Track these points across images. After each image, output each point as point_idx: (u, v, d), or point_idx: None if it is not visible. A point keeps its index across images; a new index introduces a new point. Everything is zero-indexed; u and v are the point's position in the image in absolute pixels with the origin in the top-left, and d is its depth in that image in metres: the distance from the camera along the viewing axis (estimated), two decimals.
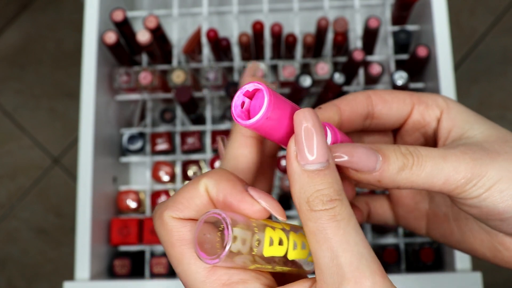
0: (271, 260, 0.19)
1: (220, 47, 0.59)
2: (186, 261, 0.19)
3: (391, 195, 0.29)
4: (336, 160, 0.20)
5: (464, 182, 0.20)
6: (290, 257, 0.19)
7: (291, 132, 0.19)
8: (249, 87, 0.19)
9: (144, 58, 0.61)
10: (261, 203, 0.18)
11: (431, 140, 0.25)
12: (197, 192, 0.19)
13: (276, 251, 0.19)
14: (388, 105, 0.24)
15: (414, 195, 0.28)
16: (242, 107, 0.19)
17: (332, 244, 0.17)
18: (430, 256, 0.54)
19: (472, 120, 0.24)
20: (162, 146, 0.60)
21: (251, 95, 0.19)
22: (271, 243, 0.18)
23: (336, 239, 0.17)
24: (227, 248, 0.17)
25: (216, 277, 0.18)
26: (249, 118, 0.18)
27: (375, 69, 0.55)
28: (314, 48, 0.61)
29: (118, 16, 0.56)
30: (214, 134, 0.60)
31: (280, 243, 0.19)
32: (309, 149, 0.17)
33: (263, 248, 0.18)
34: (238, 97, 0.19)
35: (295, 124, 0.18)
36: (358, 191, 0.52)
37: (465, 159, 0.20)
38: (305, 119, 0.18)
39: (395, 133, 0.27)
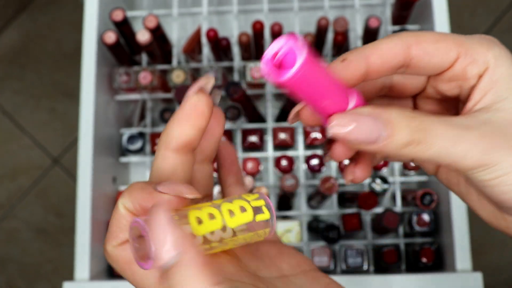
0: (216, 236, 0.19)
1: (220, 47, 0.59)
2: (139, 278, 0.20)
3: None
4: (332, 132, 0.19)
5: (471, 167, 0.19)
6: (232, 225, 0.19)
7: (328, 88, 0.19)
8: (278, 44, 0.18)
9: (144, 58, 0.61)
10: (168, 193, 0.19)
11: (465, 95, 0.22)
12: (119, 214, 0.20)
13: (211, 226, 0.19)
14: (428, 57, 0.21)
15: None
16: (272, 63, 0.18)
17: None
18: (430, 256, 0.54)
19: None
20: None
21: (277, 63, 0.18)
22: (199, 222, 0.18)
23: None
24: (153, 247, 0.17)
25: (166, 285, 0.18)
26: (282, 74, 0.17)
27: None
28: (314, 47, 0.61)
29: (118, 16, 0.56)
30: None
31: (212, 217, 0.19)
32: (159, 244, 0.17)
33: (192, 228, 0.18)
34: (271, 49, 0.18)
35: (150, 215, 0.18)
36: None
37: (478, 147, 0.19)
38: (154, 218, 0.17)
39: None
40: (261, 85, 0.58)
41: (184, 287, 0.17)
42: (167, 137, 0.20)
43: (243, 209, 0.20)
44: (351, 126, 0.19)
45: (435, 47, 0.21)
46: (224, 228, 0.19)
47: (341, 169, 0.57)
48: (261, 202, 0.20)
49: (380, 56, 0.21)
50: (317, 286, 0.23)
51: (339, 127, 0.19)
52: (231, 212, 0.19)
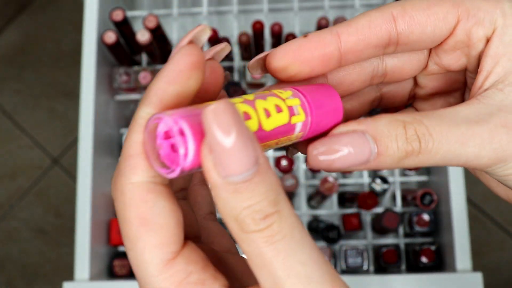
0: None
1: None
2: (141, 246, 0.14)
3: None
4: (313, 163, 0.16)
5: (485, 166, 0.17)
6: (267, 127, 0.15)
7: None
8: (161, 128, 0.14)
9: (144, 58, 0.61)
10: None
11: (474, 65, 0.19)
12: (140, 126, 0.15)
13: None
14: (420, 28, 0.17)
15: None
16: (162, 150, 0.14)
17: (272, 271, 0.13)
18: (430, 256, 0.54)
19: None
20: None
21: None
22: None
23: (276, 265, 0.13)
24: (191, 143, 0.13)
25: (171, 273, 0.14)
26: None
27: None
28: None
29: (118, 15, 0.56)
30: None
31: (247, 117, 0.15)
32: (225, 162, 0.13)
33: None
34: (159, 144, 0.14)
35: (204, 124, 0.13)
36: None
37: (491, 144, 0.16)
38: (216, 117, 0.12)
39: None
40: (261, 85, 0.58)
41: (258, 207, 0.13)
42: (149, 93, 0.15)
43: (278, 109, 0.16)
44: (335, 155, 0.16)
45: (426, 14, 0.17)
46: (259, 130, 0.15)
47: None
48: (296, 102, 0.17)
49: (355, 32, 0.17)
50: None
51: (320, 158, 0.16)
52: (266, 112, 0.16)
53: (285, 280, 0.13)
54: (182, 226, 0.15)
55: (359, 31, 0.17)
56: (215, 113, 0.12)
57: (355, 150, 0.16)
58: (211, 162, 0.13)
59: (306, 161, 0.17)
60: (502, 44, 0.17)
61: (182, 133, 0.13)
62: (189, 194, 0.18)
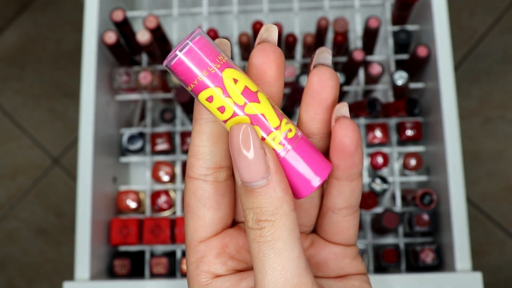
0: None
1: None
2: (186, 223, 0.19)
3: None
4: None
5: None
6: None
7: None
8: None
9: (144, 58, 0.61)
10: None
11: None
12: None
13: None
14: None
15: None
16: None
17: (254, 260, 0.17)
18: (430, 256, 0.54)
19: None
20: (162, 146, 0.60)
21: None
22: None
23: (256, 258, 0.17)
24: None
25: (195, 252, 0.19)
26: None
27: (375, 69, 0.55)
28: (314, 48, 0.61)
29: (118, 16, 0.56)
30: None
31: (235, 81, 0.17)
32: (241, 170, 0.16)
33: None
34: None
35: (229, 140, 0.16)
36: None
37: None
38: (238, 137, 0.16)
39: None
40: None
41: (273, 209, 0.16)
42: None
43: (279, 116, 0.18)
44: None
45: None
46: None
47: None
48: (289, 126, 0.18)
49: None
50: None
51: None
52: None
53: (257, 274, 0.17)
54: (217, 220, 0.19)
55: None
56: (242, 136, 0.16)
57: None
58: (235, 167, 0.17)
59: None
60: None
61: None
62: (326, 186, 0.20)
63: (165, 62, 0.16)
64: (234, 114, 0.16)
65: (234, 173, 0.17)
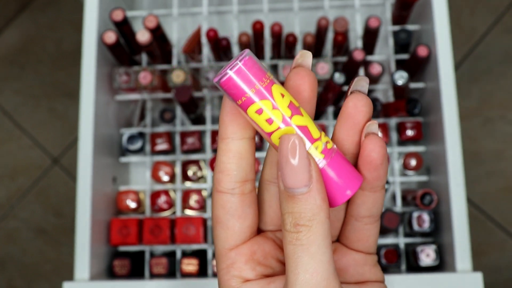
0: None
1: (220, 47, 0.59)
2: (215, 234, 0.21)
3: None
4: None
5: None
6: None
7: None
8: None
9: (144, 58, 0.61)
10: None
11: None
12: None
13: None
14: None
15: None
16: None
17: (287, 261, 0.18)
18: (431, 256, 0.54)
19: None
20: (162, 146, 0.60)
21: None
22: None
23: (290, 260, 0.18)
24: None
25: (225, 259, 0.20)
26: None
27: (376, 69, 0.55)
28: (314, 48, 0.61)
29: (118, 16, 0.56)
30: (214, 134, 0.60)
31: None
32: (286, 176, 0.18)
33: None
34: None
35: (279, 148, 0.18)
36: None
37: None
38: (287, 145, 0.18)
39: None
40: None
41: (312, 216, 0.17)
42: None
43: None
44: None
45: None
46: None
47: None
48: (325, 139, 0.20)
49: None
50: None
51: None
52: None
53: (289, 274, 0.18)
54: (245, 229, 0.20)
55: None
56: (291, 145, 0.17)
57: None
58: (280, 173, 0.18)
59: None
60: None
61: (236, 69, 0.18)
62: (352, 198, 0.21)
63: (215, 79, 0.18)
64: (280, 127, 0.18)
65: (277, 179, 0.18)
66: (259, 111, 0.18)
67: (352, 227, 0.22)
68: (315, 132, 0.18)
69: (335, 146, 0.19)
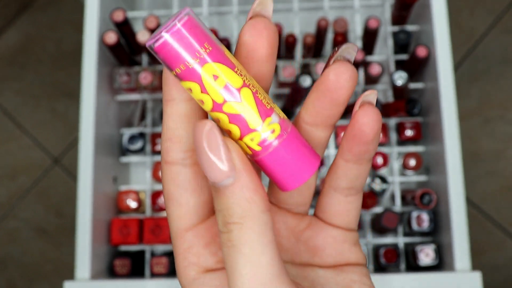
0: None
1: None
2: (168, 213, 0.18)
3: None
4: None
5: None
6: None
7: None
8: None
9: (144, 58, 0.61)
10: None
11: None
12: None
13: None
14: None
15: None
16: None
17: (226, 262, 0.15)
18: (430, 256, 0.54)
19: None
20: None
21: None
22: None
23: (227, 261, 0.15)
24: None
25: (182, 241, 0.18)
26: None
27: (375, 69, 0.55)
28: (314, 48, 0.61)
29: (119, 16, 0.56)
30: None
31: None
32: (205, 168, 0.15)
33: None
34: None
35: (193, 138, 0.15)
36: None
37: None
38: (200, 135, 0.15)
39: None
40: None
41: (239, 212, 0.15)
42: None
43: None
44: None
45: None
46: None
47: None
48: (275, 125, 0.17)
49: None
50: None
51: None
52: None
53: (228, 281, 0.15)
54: (202, 205, 0.17)
55: None
56: (205, 134, 0.14)
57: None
58: (201, 167, 0.15)
59: None
60: None
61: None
62: (332, 165, 0.19)
63: (148, 43, 0.15)
64: (213, 109, 0.15)
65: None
66: (189, 90, 0.15)
67: (331, 199, 0.19)
68: (254, 120, 0.16)
69: (289, 128, 0.16)
